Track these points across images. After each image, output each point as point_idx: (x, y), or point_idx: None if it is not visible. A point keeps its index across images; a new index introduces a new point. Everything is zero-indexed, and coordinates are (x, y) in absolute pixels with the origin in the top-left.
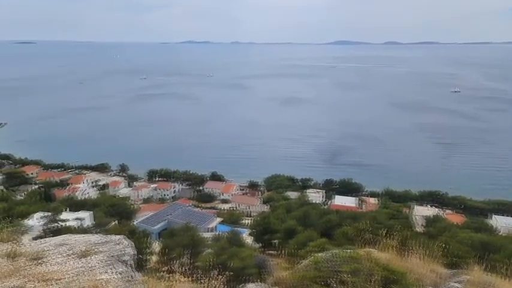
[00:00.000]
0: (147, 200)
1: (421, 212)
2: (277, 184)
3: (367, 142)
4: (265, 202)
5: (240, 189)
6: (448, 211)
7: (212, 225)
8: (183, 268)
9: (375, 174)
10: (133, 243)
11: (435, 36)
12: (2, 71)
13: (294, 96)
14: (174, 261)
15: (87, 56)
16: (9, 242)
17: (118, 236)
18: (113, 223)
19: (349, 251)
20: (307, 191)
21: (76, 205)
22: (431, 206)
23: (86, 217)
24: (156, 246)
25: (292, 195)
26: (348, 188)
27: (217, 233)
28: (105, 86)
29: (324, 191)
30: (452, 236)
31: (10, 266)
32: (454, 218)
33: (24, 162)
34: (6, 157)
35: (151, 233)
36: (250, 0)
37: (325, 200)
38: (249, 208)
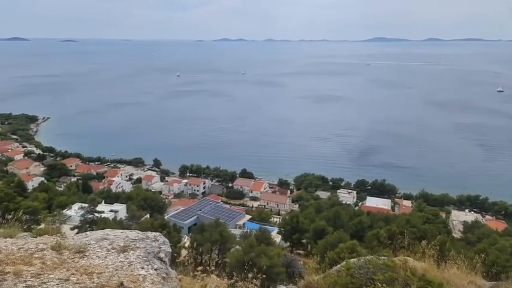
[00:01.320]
0: (178, 195)
1: (459, 217)
2: (307, 183)
3: (402, 142)
4: (294, 201)
5: (270, 187)
6: (488, 217)
7: (241, 222)
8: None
9: (410, 176)
10: (168, 241)
11: (479, 33)
12: (48, 68)
13: (327, 94)
14: (203, 256)
15: (126, 53)
16: (55, 235)
17: (154, 233)
18: (146, 216)
19: (383, 258)
20: (338, 191)
21: (111, 197)
22: (470, 211)
23: (120, 209)
24: (186, 240)
25: (323, 194)
26: (380, 190)
27: (245, 230)
28: (142, 82)
29: (356, 191)
30: (492, 244)
31: (55, 259)
32: (495, 224)
33: (65, 155)
34: (49, 150)
35: (182, 227)
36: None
37: (357, 201)
38: (278, 206)
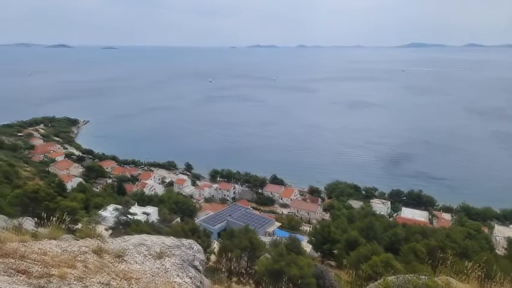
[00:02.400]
0: (208, 199)
1: (503, 232)
2: (339, 191)
3: (439, 151)
4: (325, 209)
5: (300, 195)
6: None
7: (271, 229)
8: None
9: (448, 187)
10: (202, 249)
11: None
12: (90, 74)
13: (360, 100)
14: (232, 263)
15: (162, 59)
16: (96, 238)
17: (189, 241)
18: (176, 220)
19: (424, 277)
20: (372, 200)
21: (144, 200)
22: None
23: (152, 212)
24: (215, 246)
25: (355, 204)
26: (417, 201)
27: (275, 238)
28: (176, 87)
29: (390, 202)
30: None
31: (97, 263)
32: None
33: (102, 158)
34: (88, 152)
35: (211, 232)
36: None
37: (391, 212)
38: (308, 215)
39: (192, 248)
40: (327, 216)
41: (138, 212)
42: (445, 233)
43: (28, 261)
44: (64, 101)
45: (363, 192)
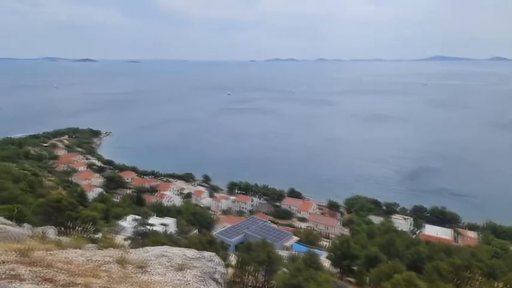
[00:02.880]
0: (226, 212)
1: None
2: (358, 206)
3: (462, 166)
4: (344, 224)
5: (319, 209)
6: None
7: (288, 243)
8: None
9: (473, 204)
10: (223, 262)
11: None
12: (113, 87)
13: (380, 114)
14: (249, 277)
15: (183, 73)
16: (119, 248)
17: (210, 253)
18: (194, 231)
19: None
20: (393, 216)
21: (162, 211)
22: None
23: (171, 223)
24: (233, 259)
25: (375, 219)
26: (440, 218)
27: (293, 253)
28: (196, 100)
29: (412, 218)
30: None
31: (120, 273)
32: None
33: (122, 168)
34: (109, 162)
35: (229, 245)
36: (337, 16)
37: (414, 229)
38: (327, 229)
39: (213, 261)
40: (346, 231)
41: (156, 222)
42: (470, 252)
43: (54, 269)
44: (88, 113)
45: (384, 207)
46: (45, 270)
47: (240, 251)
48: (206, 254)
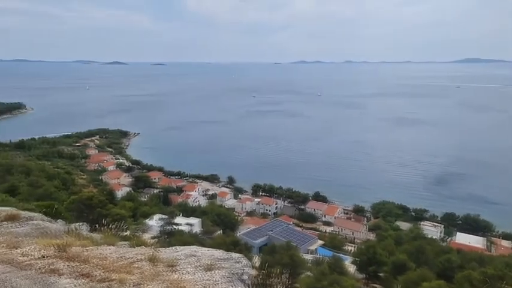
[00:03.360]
0: (250, 213)
1: None
2: (385, 211)
3: (495, 173)
4: (371, 230)
5: (344, 213)
6: None
7: (313, 247)
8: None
9: (507, 212)
10: (250, 264)
11: None
12: (142, 89)
13: (408, 117)
14: (273, 279)
15: (209, 75)
16: (149, 247)
17: (238, 254)
18: (219, 232)
19: None
20: (422, 223)
21: (188, 211)
22: None
23: (196, 223)
24: (256, 260)
25: (403, 225)
26: (473, 226)
27: (317, 256)
28: (221, 102)
29: (443, 225)
30: None
31: (152, 270)
32: None
33: (150, 168)
34: (137, 162)
35: (253, 246)
36: (366, 18)
37: (444, 237)
38: (352, 234)
39: (241, 262)
40: (372, 236)
41: (182, 222)
42: (504, 262)
43: (90, 265)
44: (117, 114)
45: (412, 213)
46: (82, 266)
47: (264, 253)
48: (234, 255)
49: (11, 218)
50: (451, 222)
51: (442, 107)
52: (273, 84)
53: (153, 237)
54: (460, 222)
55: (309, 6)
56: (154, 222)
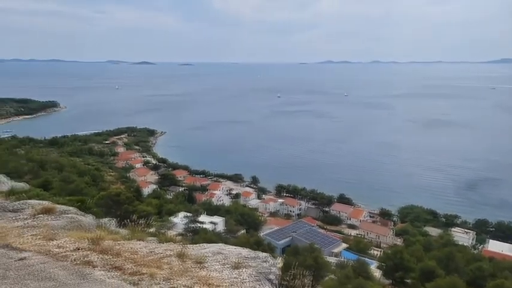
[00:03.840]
0: (273, 214)
1: None
2: (413, 216)
3: None
4: (398, 234)
5: (370, 216)
6: None
7: (337, 250)
8: None
9: None
10: (277, 263)
11: None
12: (169, 88)
13: (440, 119)
14: (295, 281)
15: (234, 75)
16: (178, 243)
17: (265, 254)
18: (242, 232)
19: None
20: (452, 229)
21: (211, 210)
22: None
23: (219, 222)
24: (279, 261)
25: (432, 231)
26: (507, 233)
27: (342, 260)
28: (246, 102)
29: (475, 232)
30: None
31: (180, 266)
32: None
33: (175, 167)
34: (163, 161)
35: (276, 247)
36: (395, 17)
37: (476, 244)
38: (378, 238)
39: (268, 262)
40: (399, 241)
41: (206, 221)
42: None
43: (122, 258)
44: (145, 113)
45: (442, 219)
46: (114, 259)
47: (287, 254)
48: (261, 254)
49: (47, 211)
50: (483, 229)
51: (475, 109)
52: (298, 84)
53: (177, 235)
54: (493, 229)
55: (336, 5)
56: (179, 219)
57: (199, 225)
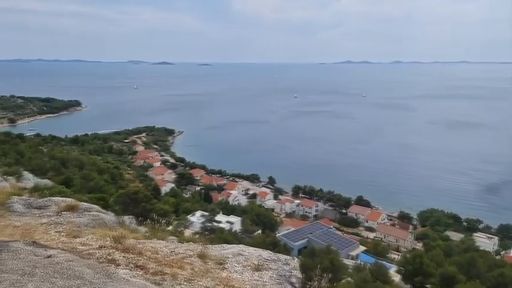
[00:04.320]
0: (289, 215)
1: None
2: (434, 220)
3: None
4: (417, 238)
5: (388, 219)
6: None
7: (354, 252)
8: None
9: None
10: (298, 266)
11: None
12: (187, 88)
13: (464, 121)
14: (311, 283)
15: (252, 76)
16: (198, 243)
17: (286, 256)
18: (258, 232)
19: None
20: (475, 234)
21: (228, 209)
22: None
23: (236, 222)
24: (295, 263)
25: (454, 236)
26: None
27: (359, 262)
28: (263, 102)
29: (498, 238)
30: None
31: (202, 267)
32: None
33: (193, 166)
34: (181, 160)
35: (292, 248)
36: (417, 16)
37: (499, 249)
38: (397, 242)
39: (289, 264)
40: (418, 245)
41: (222, 220)
42: None
43: (145, 257)
44: (163, 113)
45: (464, 223)
46: (136, 258)
47: (304, 256)
48: (282, 256)
49: (71, 208)
50: (507, 235)
51: (500, 111)
52: (316, 84)
53: (194, 233)
54: None
55: (356, 4)
56: (196, 218)
57: (215, 224)
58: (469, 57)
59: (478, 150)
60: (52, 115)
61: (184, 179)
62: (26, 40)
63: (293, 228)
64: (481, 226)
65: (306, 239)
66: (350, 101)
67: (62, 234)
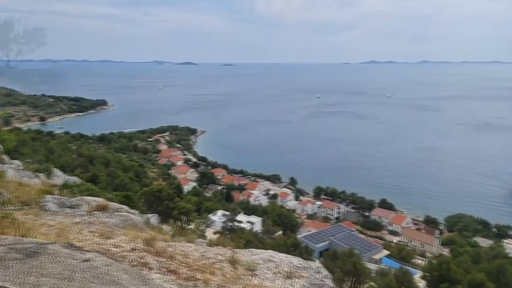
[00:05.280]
0: (311, 216)
1: None
2: (462, 225)
3: None
4: (444, 244)
5: (413, 224)
6: None
7: (377, 256)
8: None
9: None
10: (330, 275)
11: None
12: (211, 88)
13: (494, 123)
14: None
15: (275, 76)
16: (227, 247)
17: (317, 264)
18: (279, 233)
19: None
20: (505, 240)
21: (249, 209)
22: None
23: (257, 222)
24: (327, 271)
25: (483, 242)
26: None
27: (382, 267)
28: (286, 102)
29: None
30: None
31: (232, 273)
32: None
33: (214, 165)
34: (203, 159)
35: (313, 250)
36: (444, 15)
37: None
38: (422, 246)
39: (320, 273)
40: (445, 251)
41: (243, 220)
42: None
43: (176, 262)
44: (186, 112)
45: (494, 229)
46: (168, 262)
47: (325, 258)
48: (313, 264)
49: (102, 208)
50: None
51: None
52: (339, 85)
53: (215, 233)
54: None
55: (381, 3)
56: (217, 217)
57: (237, 224)
58: (500, 57)
59: (509, 154)
60: (80, 114)
61: (206, 178)
62: (56, 41)
63: (314, 230)
64: (511, 232)
65: (328, 241)
66: (374, 101)
67: (95, 234)
